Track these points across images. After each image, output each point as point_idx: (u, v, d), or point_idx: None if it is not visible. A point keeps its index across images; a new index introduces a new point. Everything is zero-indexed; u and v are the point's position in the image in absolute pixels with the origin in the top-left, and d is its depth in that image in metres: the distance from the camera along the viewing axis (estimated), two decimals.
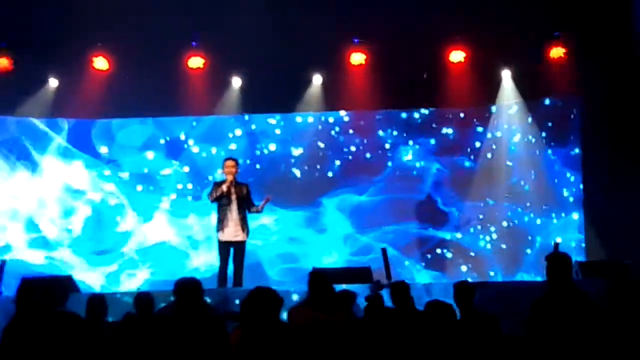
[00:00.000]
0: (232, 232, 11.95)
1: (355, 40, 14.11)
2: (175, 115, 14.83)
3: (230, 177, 12.01)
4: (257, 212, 12.23)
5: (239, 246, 12.00)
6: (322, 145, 15.09)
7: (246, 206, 12.11)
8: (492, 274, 14.56)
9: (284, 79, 14.22)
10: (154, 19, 13.23)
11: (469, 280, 10.50)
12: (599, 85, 13.46)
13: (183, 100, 14.51)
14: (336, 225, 15.02)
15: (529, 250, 14.46)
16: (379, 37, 13.77)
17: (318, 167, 15.08)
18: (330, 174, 15.10)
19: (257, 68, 14.08)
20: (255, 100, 14.68)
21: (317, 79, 14.65)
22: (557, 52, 13.82)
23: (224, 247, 12.01)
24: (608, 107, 13.45)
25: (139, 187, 15.07)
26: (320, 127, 15.13)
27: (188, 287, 7.72)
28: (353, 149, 15.12)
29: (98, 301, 8.44)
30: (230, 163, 12.15)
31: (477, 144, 14.91)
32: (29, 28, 13.62)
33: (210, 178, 14.61)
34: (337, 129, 15.13)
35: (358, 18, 13.68)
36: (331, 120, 15.18)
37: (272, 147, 15.22)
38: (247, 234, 12.08)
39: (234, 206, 12.00)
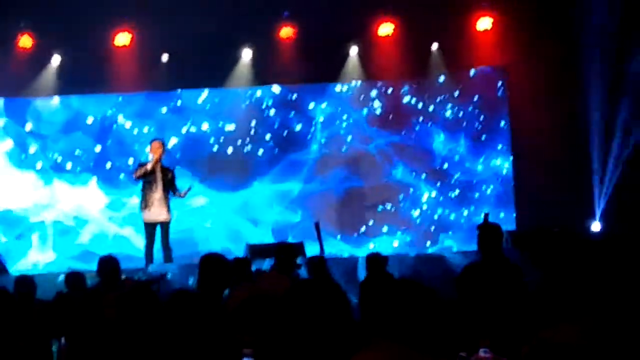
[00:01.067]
0: (156, 211, 12.08)
1: (285, 14, 14.06)
2: (104, 92, 14.59)
3: (156, 157, 12.10)
4: (180, 197, 12.35)
5: (164, 226, 12.15)
6: (253, 121, 14.99)
7: (170, 189, 12.21)
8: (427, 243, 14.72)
9: (214, 54, 14.09)
10: None
11: None
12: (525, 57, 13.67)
13: (111, 77, 14.29)
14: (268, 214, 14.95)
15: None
16: (309, 10, 13.74)
17: (249, 144, 14.96)
18: (261, 152, 14.99)
19: (185, 43, 13.91)
20: (185, 75, 14.51)
21: (246, 54, 14.55)
22: (484, 23, 13.96)
23: (149, 226, 12.18)
24: (535, 79, 13.65)
25: (68, 165, 14.80)
26: (249, 101, 15.02)
27: (110, 265, 7.96)
28: (284, 124, 15.04)
29: (26, 280, 8.34)
30: (155, 144, 12.28)
31: (408, 117, 14.97)
32: None
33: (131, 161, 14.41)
34: (268, 102, 15.03)
35: None
36: (259, 94, 15.05)
37: (205, 125, 15.04)
38: (170, 215, 12.21)
39: (158, 186, 12.12)
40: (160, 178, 12.12)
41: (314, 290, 3.60)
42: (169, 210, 12.18)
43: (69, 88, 14.44)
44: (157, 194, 12.10)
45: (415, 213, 14.85)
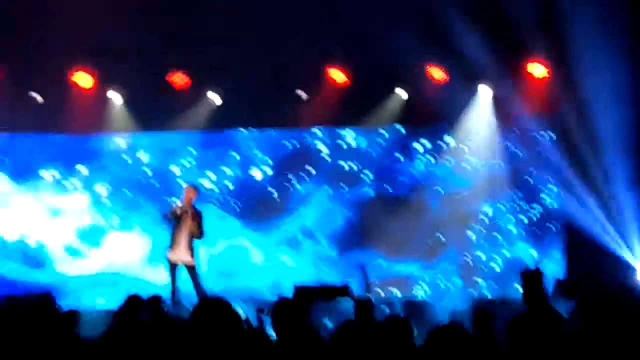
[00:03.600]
0: (180, 253, 12.53)
1: None
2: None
3: (185, 201, 12.63)
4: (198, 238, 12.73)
5: (190, 270, 12.58)
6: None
7: (196, 232, 12.63)
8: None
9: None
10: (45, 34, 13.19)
11: None
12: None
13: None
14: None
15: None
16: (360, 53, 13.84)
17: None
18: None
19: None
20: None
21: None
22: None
23: (171, 266, 12.60)
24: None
25: None
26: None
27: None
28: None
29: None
30: (186, 189, 12.84)
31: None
32: None
33: None
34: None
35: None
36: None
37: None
38: (194, 258, 12.59)
39: (185, 229, 12.58)
40: (189, 221, 12.55)
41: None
42: (192, 253, 12.56)
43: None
44: (183, 236, 12.51)
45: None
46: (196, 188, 12.97)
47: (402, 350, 4.13)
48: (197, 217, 12.69)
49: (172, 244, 12.60)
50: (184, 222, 12.59)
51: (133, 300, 8.46)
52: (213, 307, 4.53)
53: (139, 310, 8.33)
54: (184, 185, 12.94)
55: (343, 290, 10.43)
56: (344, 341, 5.88)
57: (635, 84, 13.11)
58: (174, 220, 12.63)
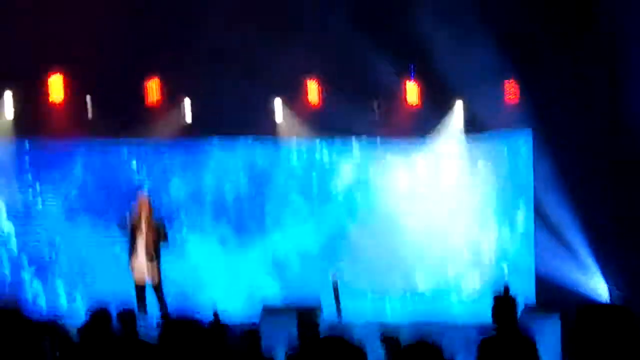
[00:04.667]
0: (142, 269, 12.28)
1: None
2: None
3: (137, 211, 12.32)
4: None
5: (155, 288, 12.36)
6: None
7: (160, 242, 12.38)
8: None
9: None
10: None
11: None
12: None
13: None
14: None
15: None
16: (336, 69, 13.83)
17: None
18: None
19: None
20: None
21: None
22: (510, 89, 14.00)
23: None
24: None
25: None
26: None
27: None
28: None
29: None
30: (140, 196, 12.53)
31: None
32: None
33: None
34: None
35: None
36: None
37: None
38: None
39: (143, 242, 12.28)
40: (146, 231, 12.28)
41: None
42: (154, 265, 12.28)
43: None
44: (140, 248, 12.25)
45: None
46: (149, 197, 12.62)
47: None
48: (157, 225, 12.39)
49: (132, 253, 12.31)
50: (139, 232, 12.27)
51: (101, 314, 8.31)
52: (180, 328, 4.48)
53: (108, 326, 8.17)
54: (139, 194, 12.65)
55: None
56: None
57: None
58: (128, 230, 12.36)
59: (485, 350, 7.16)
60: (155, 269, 12.28)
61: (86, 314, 8.27)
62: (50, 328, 7.18)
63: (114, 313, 8.39)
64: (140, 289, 12.26)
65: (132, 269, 12.33)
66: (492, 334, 7.82)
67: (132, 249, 12.29)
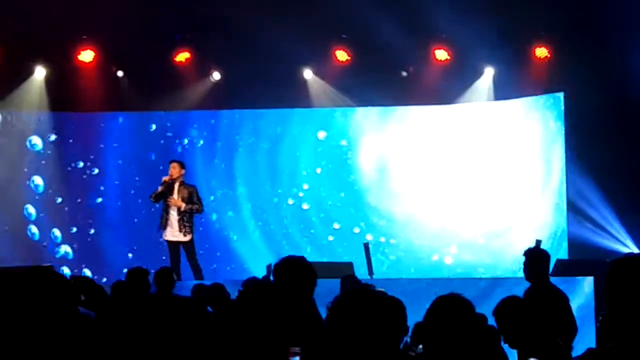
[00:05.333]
0: (173, 232, 12.41)
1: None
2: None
3: (167, 178, 12.46)
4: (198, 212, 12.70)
5: (186, 246, 12.44)
6: None
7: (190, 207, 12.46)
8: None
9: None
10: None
11: None
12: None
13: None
14: None
15: None
16: (365, 33, 13.81)
17: None
18: None
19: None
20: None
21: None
22: (541, 51, 13.84)
23: (169, 245, 12.55)
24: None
25: None
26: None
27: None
28: None
29: None
30: (171, 165, 12.60)
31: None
32: None
33: None
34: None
35: None
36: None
37: None
38: (190, 235, 12.47)
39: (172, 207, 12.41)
40: (175, 198, 12.39)
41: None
42: (187, 231, 12.38)
43: None
44: (172, 215, 12.35)
45: None
46: (181, 163, 12.72)
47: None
48: (187, 191, 12.49)
49: (164, 224, 12.46)
50: (171, 199, 12.40)
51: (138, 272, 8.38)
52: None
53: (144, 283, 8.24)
54: (171, 162, 12.71)
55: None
56: None
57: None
58: (161, 199, 12.48)
59: (517, 305, 7.10)
60: (189, 235, 12.37)
61: (124, 273, 8.38)
62: (85, 283, 7.27)
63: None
64: (174, 255, 12.37)
65: (166, 236, 12.45)
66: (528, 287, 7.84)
67: (165, 217, 12.41)
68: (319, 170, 15.07)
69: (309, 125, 15.23)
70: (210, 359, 4.36)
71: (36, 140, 14.90)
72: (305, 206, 14.98)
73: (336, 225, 14.89)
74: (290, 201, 15.02)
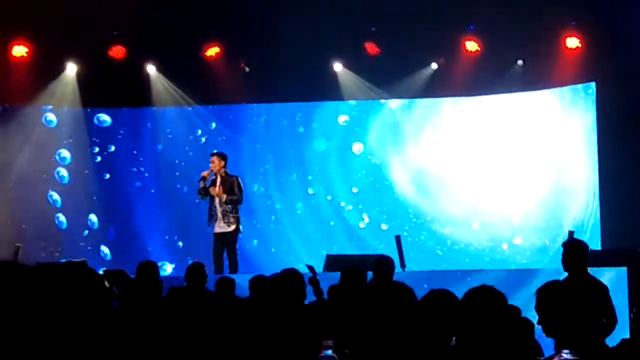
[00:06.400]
0: (220, 224, 12.42)
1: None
2: None
3: (207, 172, 12.54)
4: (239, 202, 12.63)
5: (229, 235, 12.41)
6: None
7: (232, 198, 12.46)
8: None
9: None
10: None
11: None
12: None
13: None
14: None
15: None
16: (395, 27, 13.78)
17: None
18: None
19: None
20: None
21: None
22: (572, 41, 13.72)
23: (215, 238, 12.52)
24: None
25: None
26: None
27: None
28: None
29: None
30: (211, 159, 12.62)
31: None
32: None
33: None
34: None
35: None
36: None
37: None
38: (236, 226, 12.47)
39: (219, 199, 12.45)
40: (218, 189, 12.43)
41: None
42: (232, 222, 12.39)
43: None
44: (217, 208, 12.40)
45: None
46: (221, 155, 12.71)
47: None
48: (229, 182, 12.49)
49: (211, 218, 12.53)
50: (212, 189, 12.45)
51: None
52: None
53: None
54: (211, 155, 12.73)
55: None
56: None
57: None
58: (206, 194, 12.54)
59: (555, 295, 7.04)
60: (233, 226, 12.43)
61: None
62: (117, 277, 7.33)
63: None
64: (217, 247, 12.43)
65: (212, 225, 12.54)
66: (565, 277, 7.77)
67: (212, 210, 12.51)
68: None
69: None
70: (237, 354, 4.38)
71: (65, 154, 15.00)
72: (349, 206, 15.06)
73: (366, 219, 14.96)
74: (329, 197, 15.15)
